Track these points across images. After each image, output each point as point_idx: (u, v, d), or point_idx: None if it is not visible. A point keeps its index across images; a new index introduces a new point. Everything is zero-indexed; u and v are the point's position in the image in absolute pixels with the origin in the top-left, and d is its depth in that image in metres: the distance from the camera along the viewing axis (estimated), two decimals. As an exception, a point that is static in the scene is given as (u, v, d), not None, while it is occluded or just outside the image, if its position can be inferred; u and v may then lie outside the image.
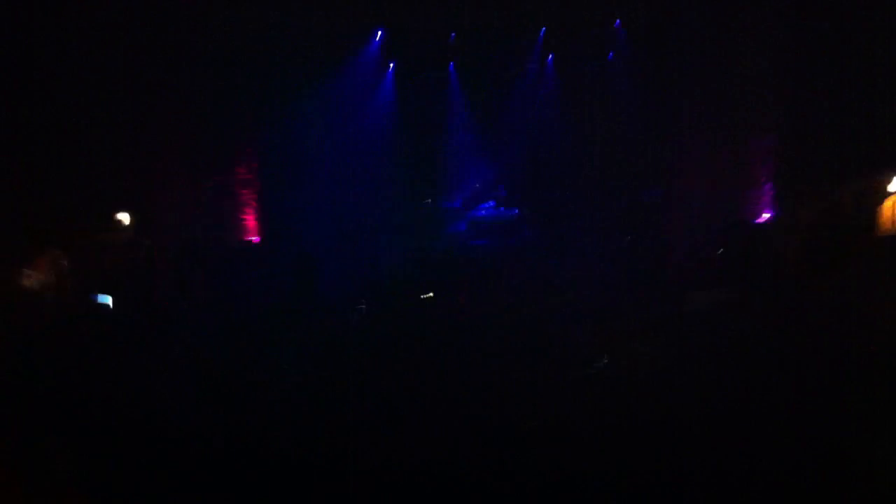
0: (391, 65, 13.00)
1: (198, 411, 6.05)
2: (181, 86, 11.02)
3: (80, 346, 7.63)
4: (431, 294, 9.78)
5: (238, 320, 9.05)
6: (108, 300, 8.80)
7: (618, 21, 12.38)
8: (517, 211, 12.48)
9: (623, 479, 4.80)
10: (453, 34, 12.72)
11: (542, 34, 12.79)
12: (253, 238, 11.59)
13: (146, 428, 5.66)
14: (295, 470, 5.07)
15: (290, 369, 7.13)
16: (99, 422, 5.78)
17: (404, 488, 4.86)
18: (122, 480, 4.97)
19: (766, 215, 11.06)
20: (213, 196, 11.43)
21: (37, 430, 5.67)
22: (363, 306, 9.20)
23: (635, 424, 5.49)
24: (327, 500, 4.84)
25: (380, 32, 12.65)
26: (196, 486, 4.88)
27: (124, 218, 10.17)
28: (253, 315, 9.38)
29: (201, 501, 4.80)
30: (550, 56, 12.99)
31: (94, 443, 5.46)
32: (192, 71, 11.11)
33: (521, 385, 6.49)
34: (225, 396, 6.41)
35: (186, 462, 5.12)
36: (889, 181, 9.82)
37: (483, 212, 12.50)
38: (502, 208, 12.51)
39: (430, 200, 12.67)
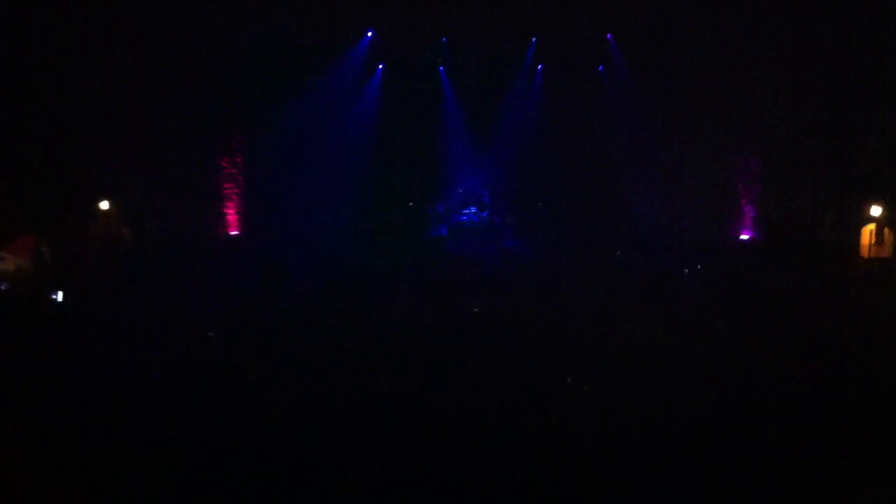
0: (380, 66, 12.94)
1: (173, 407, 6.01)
2: (170, 80, 10.97)
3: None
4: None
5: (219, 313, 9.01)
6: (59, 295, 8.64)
7: (609, 35, 12.40)
8: (500, 219, 12.47)
9: (623, 478, 4.81)
10: (444, 38, 12.68)
11: (533, 44, 12.79)
12: (233, 231, 11.51)
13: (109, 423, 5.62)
14: (277, 471, 5.04)
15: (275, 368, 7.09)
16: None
17: (404, 488, 4.85)
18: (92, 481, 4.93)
19: (745, 236, 11.17)
20: (197, 189, 11.36)
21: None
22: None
23: (634, 425, 5.51)
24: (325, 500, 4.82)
25: (370, 33, 12.59)
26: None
27: (104, 205, 10.11)
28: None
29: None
30: (540, 66, 13.00)
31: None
32: (182, 66, 11.04)
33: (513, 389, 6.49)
34: (207, 394, 6.37)
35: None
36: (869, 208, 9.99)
37: (465, 217, 12.45)
38: (485, 214, 12.47)
39: (412, 203, 12.61)
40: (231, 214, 11.46)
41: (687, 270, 10.16)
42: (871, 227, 9.88)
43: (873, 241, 9.71)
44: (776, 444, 5.20)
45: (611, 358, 7.19)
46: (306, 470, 5.12)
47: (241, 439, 5.49)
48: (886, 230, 9.91)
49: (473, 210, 12.51)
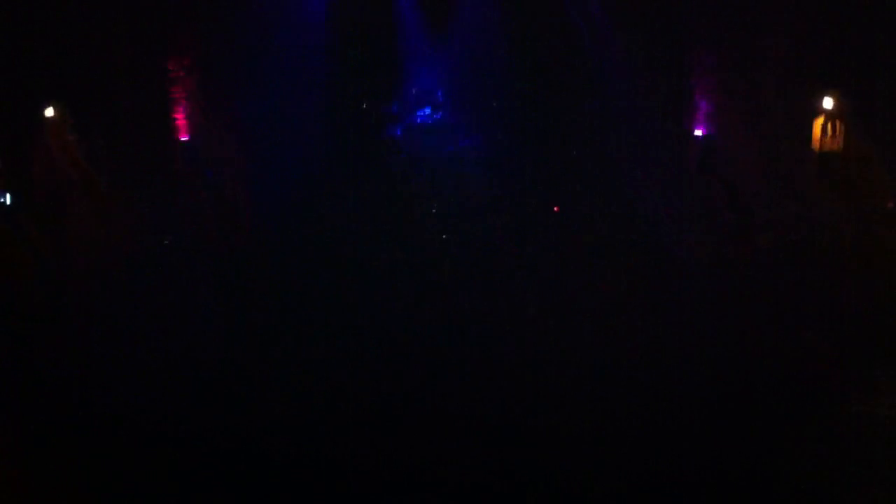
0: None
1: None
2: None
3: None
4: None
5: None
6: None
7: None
8: (454, 118, 12.31)
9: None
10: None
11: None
12: (183, 137, 11.26)
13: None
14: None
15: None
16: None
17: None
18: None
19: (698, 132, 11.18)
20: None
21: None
22: None
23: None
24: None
25: None
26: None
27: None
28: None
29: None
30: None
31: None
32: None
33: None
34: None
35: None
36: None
37: (419, 118, 12.24)
38: (439, 114, 12.28)
39: (364, 105, 12.38)
40: (180, 120, 11.18)
41: None
42: (821, 119, 9.94)
43: (826, 135, 9.80)
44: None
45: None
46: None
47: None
48: (838, 122, 9.97)
49: (428, 110, 12.30)
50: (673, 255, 9.84)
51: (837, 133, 9.73)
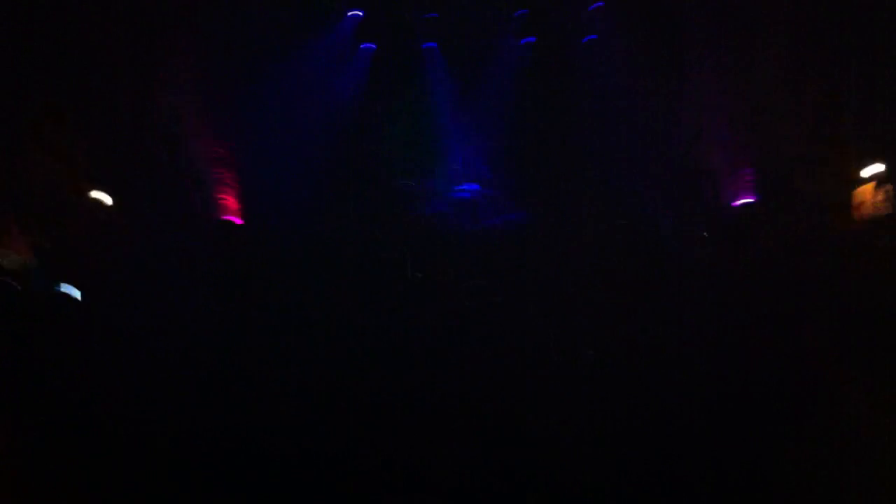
0: (373, 45, 12.92)
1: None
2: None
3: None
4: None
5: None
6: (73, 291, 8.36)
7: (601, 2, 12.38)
8: (496, 192, 12.40)
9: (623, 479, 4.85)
10: (434, 14, 12.59)
11: (523, 14, 12.73)
12: (234, 219, 11.23)
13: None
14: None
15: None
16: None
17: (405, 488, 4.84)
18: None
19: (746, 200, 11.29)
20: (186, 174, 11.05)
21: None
22: None
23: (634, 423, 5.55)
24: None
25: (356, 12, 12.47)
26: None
27: (104, 198, 9.74)
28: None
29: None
30: (533, 38, 12.94)
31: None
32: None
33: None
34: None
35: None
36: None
37: (467, 193, 12.32)
38: (487, 190, 12.38)
39: (409, 182, 12.48)
40: (229, 199, 11.18)
41: None
42: (871, 185, 10.01)
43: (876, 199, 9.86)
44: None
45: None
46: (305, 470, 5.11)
47: (238, 439, 5.43)
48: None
49: (476, 187, 12.39)
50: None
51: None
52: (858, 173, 10.13)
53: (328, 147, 12.43)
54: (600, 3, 12.41)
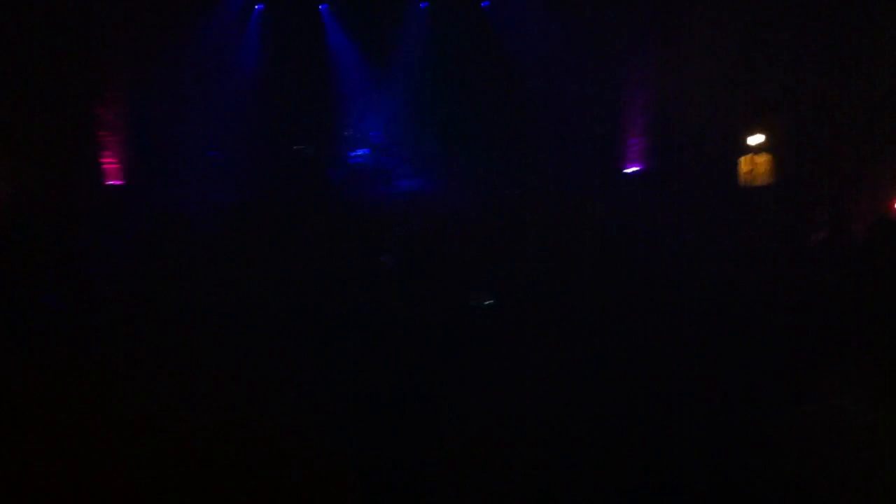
0: (257, 6, 12.69)
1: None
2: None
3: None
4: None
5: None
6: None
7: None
8: (391, 160, 12.28)
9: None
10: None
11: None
12: (116, 181, 10.93)
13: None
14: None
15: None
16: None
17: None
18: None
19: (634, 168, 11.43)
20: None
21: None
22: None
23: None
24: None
25: None
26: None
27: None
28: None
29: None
30: (424, 4, 12.83)
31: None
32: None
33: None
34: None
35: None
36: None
37: (353, 160, 12.20)
38: (377, 155, 12.27)
39: (295, 147, 12.29)
40: (110, 164, 10.85)
41: None
42: (748, 156, 10.22)
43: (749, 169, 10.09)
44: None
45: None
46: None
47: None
48: (762, 157, 10.25)
49: (362, 152, 12.26)
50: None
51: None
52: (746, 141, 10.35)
53: (230, 113, 12.16)
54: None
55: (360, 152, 12.27)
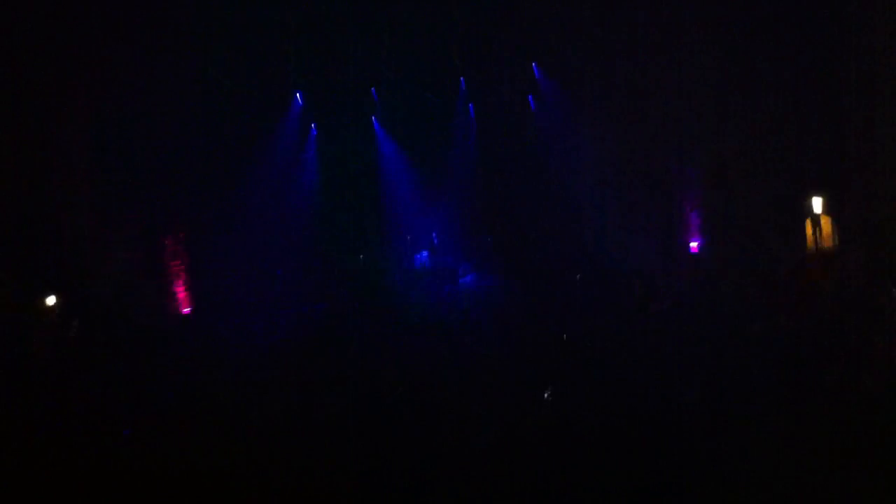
0: (313, 126, 13.05)
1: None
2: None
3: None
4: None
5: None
6: None
7: (534, 63, 12.56)
8: (451, 258, 12.44)
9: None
10: (373, 88, 12.77)
11: (462, 83, 12.91)
12: (185, 310, 11.27)
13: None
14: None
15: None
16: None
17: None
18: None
19: (693, 244, 11.29)
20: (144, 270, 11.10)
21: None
22: None
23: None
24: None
25: (298, 94, 12.63)
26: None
27: (50, 300, 9.80)
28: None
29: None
30: (471, 104, 13.13)
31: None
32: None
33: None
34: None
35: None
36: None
37: (417, 263, 12.40)
38: (437, 257, 12.45)
39: (362, 256, 12.54)
40: (181, 292, 11.22)
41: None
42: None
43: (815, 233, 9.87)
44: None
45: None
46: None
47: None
48: (825, 220, 10.03)
49: (425, 255, 12.45)
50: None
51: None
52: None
53: (293, 229, 12.54)
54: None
55: (423, 254, 12.45)
